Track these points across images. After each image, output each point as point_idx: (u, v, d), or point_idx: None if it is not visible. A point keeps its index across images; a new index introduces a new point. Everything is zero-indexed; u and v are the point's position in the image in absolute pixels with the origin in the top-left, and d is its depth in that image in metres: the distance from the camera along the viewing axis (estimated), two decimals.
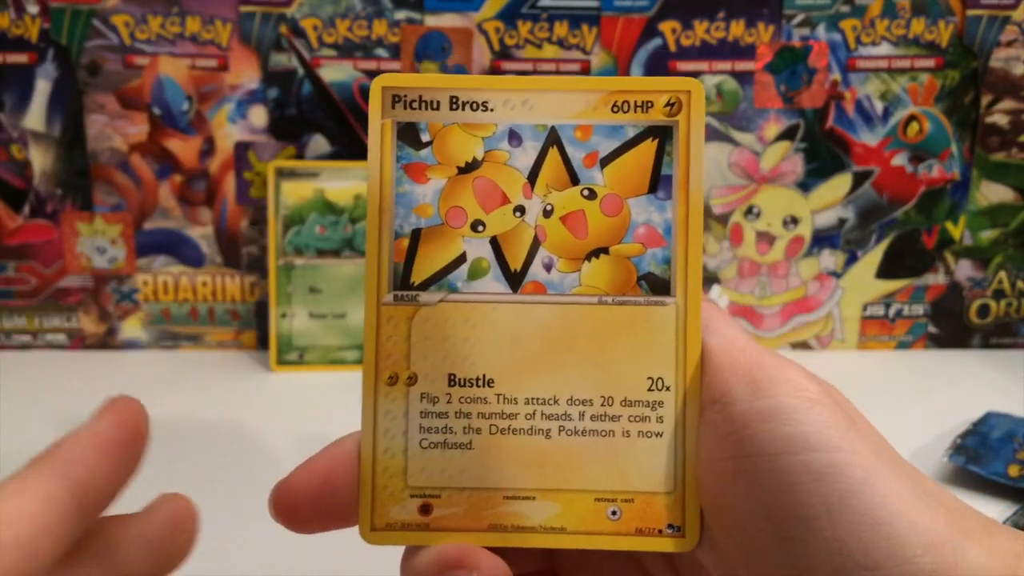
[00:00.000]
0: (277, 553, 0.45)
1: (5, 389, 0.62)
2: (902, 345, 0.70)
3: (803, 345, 0.70)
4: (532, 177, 0.29)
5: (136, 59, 0.64)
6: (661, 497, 0.28)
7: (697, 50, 0.64)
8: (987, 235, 0.68)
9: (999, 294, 0.69)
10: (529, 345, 0.29)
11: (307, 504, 0.28)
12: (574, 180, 0.29)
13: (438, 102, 0.29)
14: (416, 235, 0.29)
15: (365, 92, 0.65)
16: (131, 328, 0.69)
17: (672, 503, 0.28)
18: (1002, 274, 0.69)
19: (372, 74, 0.65)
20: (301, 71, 0.65)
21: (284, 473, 0.50)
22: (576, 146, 0.29)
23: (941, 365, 0.68)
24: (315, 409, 0.60)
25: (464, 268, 0.29)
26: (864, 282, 0.69)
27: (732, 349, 0.27)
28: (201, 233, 0.67)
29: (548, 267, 0.29)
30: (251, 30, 0.64)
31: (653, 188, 0.29)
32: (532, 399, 0.28)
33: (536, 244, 0.29)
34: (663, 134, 0.29)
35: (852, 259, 0.69)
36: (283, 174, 0.65)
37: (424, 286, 0.29)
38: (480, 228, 0.29)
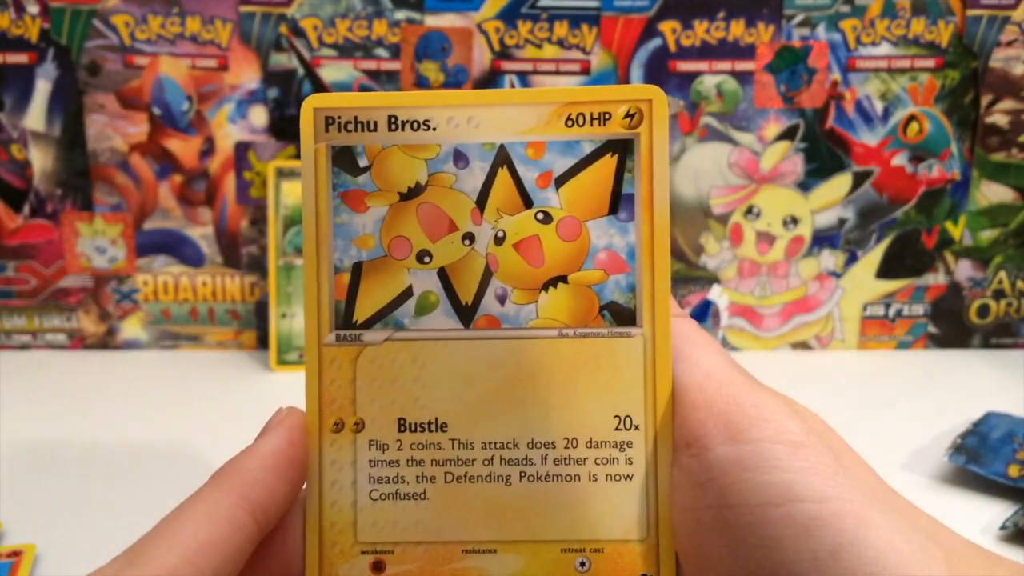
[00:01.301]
0: None
1: (5, 389, 0.62)
2: (902, 345, 0.70)
3: (803, 345, 0.70)
4: (481, 201, 0.26)
5: (136, 59, 0.64)
6: (633, 545, 0.26)
7: (697, 50, 0.64)
8: (987, 235, 0.68)
9: (999, 294, 0.69)
10: (484, 385, 0.26)
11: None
12: (527, 203, 0.26)
13: (375, 122, 0.26)
14: (357, 269, 0.26)
15: (365, 92, 0.65)
16: (131, 328, 0.69)
17: (646, 551, 0.26)
18: (1002, 274, 0.69)
19: (373, 74, 0.65)
20: (301, 71, 0.65)
21: None
22: (528, 165, 0.26)
23: (941, 365, 0.68)
24: None
25: (411, 303, 0.26)
26: (864, 282, 0.69)
27: (706, 383, 0.25)
28: (201, 233, 0.67)
29: (502, 299, 0.26)
30: (251, 30, 0.64)
31: (614, 209, 0.26)
32: (489, 443, 0.26)
33: (488, 274, 0.26)
34: (623, 149, 0.26)
35: (852, 259, 0.69)
36: (283, 174, 0.65)
37: (368, 324, 0.26)
38: (427, 259, 0.26)
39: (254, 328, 0.69)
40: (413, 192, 0.26)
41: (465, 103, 0.26)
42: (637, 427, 0.26)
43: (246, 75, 0.65)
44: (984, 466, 0.50)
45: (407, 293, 0.27)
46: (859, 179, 0.67)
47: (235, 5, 0.64)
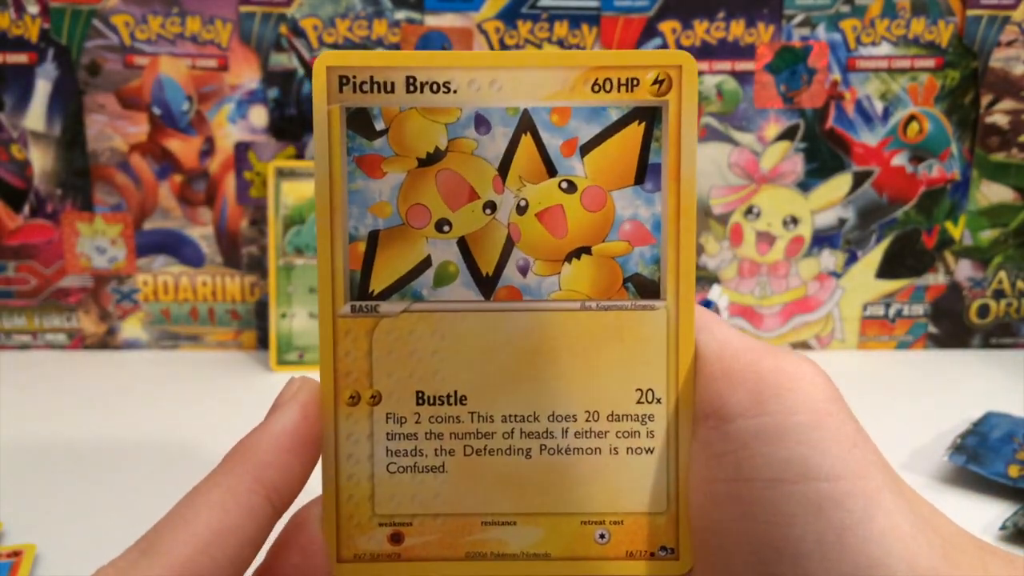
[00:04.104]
0: None
1: (5, 389, 0.62)
2: (902, 345, 0.70)
3: (803, 345, 0.70)
4: (503, 168, 0.25)
5: (136, 59, 0.64)
6: (653, 518, 0.26)
7: (697, 50, 0.64)
8: (987, 235, 0.68)
9: (999, 294, 0.69)
10: (504, 357, 0.26)
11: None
12: (551, 171, 0.26)
13: (392, 83, 0.25)
14: (374, 238, 0.25)
15: None
16: (131, 328, 0.69)
17: (665, 524, 0.26)
18: (1002, 274, 0.69)
19: None
20: (301, 71, 0.65)
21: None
22: (552, 132, 0.25)
23: (941, 365, 0.68)
24: None
25: (429, 274, 0.26)
26: (864, 282, 0.69)
27: (726, 354, 0.25)
28: (201, 233, 0.67)
29: (524, 270, 0.26)
30: (251, 30, 0.64)
31: (640, 179, 0.25)
32: (509, 416, 0.26)
33: (510, 245, 0.26)
34: (651, 116, 0.25)
35: (852, 259, 0.69)
36: (283, 174, 0.65)
37: (385, 295, 0.26)
38: (446, 228, 0.26)
39: (254, 328, 0.69)
40: (432, 158, 0.25)
41: (488, 65, 0.25)
42: (659, 400, 0.26)
43: (246, 75, 0.65)
44: (984, 466, 0.50)
45: (426, 263, 0.26)
46: (859, 179, 0.67)
47: (235, 5, 0.64)
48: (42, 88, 0.64)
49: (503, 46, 0.64)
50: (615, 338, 0.26)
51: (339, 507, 0.26)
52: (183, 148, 0.66)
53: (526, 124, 0.25)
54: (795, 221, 0.68)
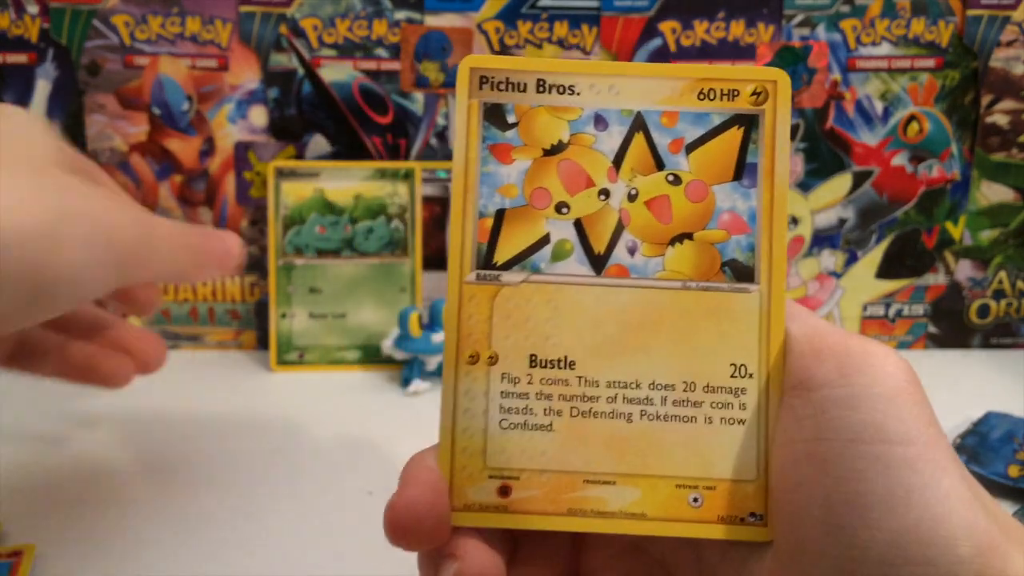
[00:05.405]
0: (276, 553, 0.45)
1: (5, 389, 0.62)
2: (902, 345, 0.70)
3: None
4: (617, 161, 0.29)
5: (136, 59, 0.64)
6: (744, 485, 0.28)
7: (697, 50, 0.64)
8: (987, 235, 0.68)
9: (999, 294, 0.69)
10: (611, 328, 0.28)
11: (429, 517, 0.27)
12: (659, 165, 0.29)
13: (525, 84, 0.29)
14: (500, 215, 0.29)
15: (365, 92, 0.65)
16: None
17: (755, 491, 0.28)
18: (1002, 274, 0.69)
19: (372, 74, 0.65)
20: (301, 71, 0.65)
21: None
22: (662, 132, 0.29)
23: (941, 365, 0.68)
24: (315, 409, 0.60)
25: (547, 249, 0.29)
26: (864, 282, 0.69)
27: (815, 335, 0.27)
28: None
29: (632, 251, 0.29)
30: (251, 30, 0.64)
31: (738, 175, 0.29)
32: (614, 382, 0.28)
33: (620, 228, 0.29)
34: (749, 122, 0.29)
35: (852, 259, 0.69)
36: (283, 174, 0.65)
37: (507, 266, 0.29)
38: (564, 210, 0.29)
39: (254, 328, 0.69)
40: (556, 149, 0.29)
41: (608, 72, 0.29)
42: (751, 375, 0.28)
43: (246, 75, 0.65)
44: (984, 466, 0.50)
45: (545, 240, 0.29)
46: (859, 179, 0.67)
47: (235, 5, 0.64)
48: (42, 88, 0.64)
49: (503, 46, 0.64)
50: (712, 317, 0.28)
51: (454, 458, 0.28)
52: (183, 148, 0.66)
53: (639, 124, 0.29)
54: (795, 221, 0.68)
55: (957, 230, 0.68)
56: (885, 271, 0.69)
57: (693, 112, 0.29)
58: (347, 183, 0.65)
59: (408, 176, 0.65)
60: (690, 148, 0.29)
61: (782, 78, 0.29)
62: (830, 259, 0.69)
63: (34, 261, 0.32)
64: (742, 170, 0.29)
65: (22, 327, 0.35)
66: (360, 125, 0.66)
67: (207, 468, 0.53)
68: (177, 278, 0.50)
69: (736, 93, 0.29)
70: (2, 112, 0.37)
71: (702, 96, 0.29)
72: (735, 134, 0.29)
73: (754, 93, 0.29)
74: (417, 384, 0.62)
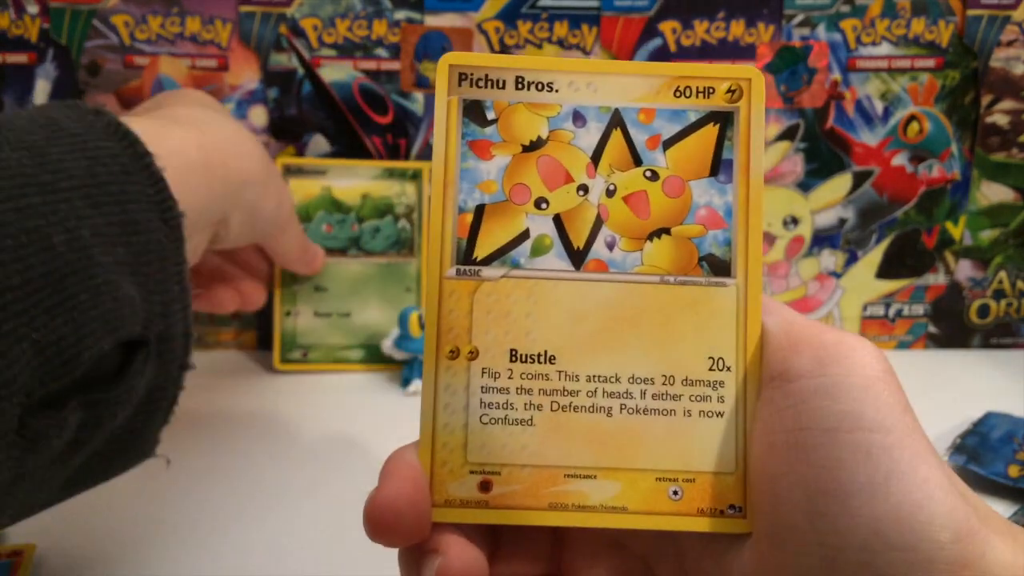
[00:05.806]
0: (277, 553, 0.45)
1: None
2: (902, 345, 0.70)
3: None
4: (596, 157, 0.29)
5: (136, 59, 0.64)
6: (723, 477, 0.28)
7: (697, 50, 0.64)
8: (987, 235, 0.68)
9: (999, 294, 0.69)
10: (591, 322, 0.29)
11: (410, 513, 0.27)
12: (637, 161, 0.29)
13: (504, 81, 0.29)
14: (480, 211, 0.29)
15: (365, 92, 0.65)
16: None
17: (734, 483, 0.28)
18: (1002, 274, 0.69)
19: (372, 74, 0.65)
20: (301, 71, 0.65)
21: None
22: (639, 128, 0.29)
23: (941, 365, 0.68)
24: (319, 408, 0.60)
25: (527, 244, 0.29)
26: (864, 282, 0.69)
27: (791, 328, 0.28)
28: None
29: (611, 246, 0.29)
30: (251, 30, 0.64)
31: (714, 171, 0.29)
32: (594, 376, 0.28)
33: (599, 223, 0.29)
34: (724, 119, 0.29)
35: (852, 259, 0.69)
36: (290, 171, 0.65)
37: (487, 261, 0.29)
38: (543, 205, 0.29)
39: (254, 328, 0.69)
40: (534, 145, 0.29)
41: (586, 70, 0.29)
42: (729, 368, 0.28)
43: (246, 75, 0.65)
44: (984, 466, 0.50)
45: (524, 235, 0.29)
46: (859, 179, 0.67)
47: (235, 5, 0.64)
48: (42, 88, 0.64)
49: (503, 46, 0.64)
50: (690, 310, 0.29)
51: (434, 453, 0.28)
52: None
53: (617, 121, 0.29)
54: (795, 221, 0.68)
55: (957, 230, 0.68)
56: (885, 271, 0.69)
57: (670, 109, 0.29)
58: (354, 182, 0.65)
59: (416, 176, 0.65)
60: (667, 144, 0.29)
61: (756, 76, 0.29)
62: (830, 259, 0.69)
63: (256, 198, 0.48)
64: (718, 166, 0.29)
65: (235, 246, 0.51)
66: (360, 125, 0.66)
67: (207, 468, 0.53)
68: (285, 260, 0.60)
69: (712, 91, 0.29)
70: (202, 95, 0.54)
71: (678, 93, 0.29)
72: (711, 131, 0.29)
73: (729, 91, 0.29)
74: (417, 384, 0.62)
